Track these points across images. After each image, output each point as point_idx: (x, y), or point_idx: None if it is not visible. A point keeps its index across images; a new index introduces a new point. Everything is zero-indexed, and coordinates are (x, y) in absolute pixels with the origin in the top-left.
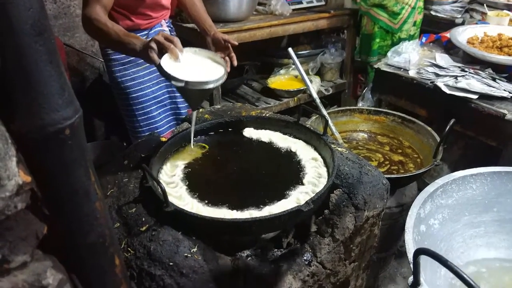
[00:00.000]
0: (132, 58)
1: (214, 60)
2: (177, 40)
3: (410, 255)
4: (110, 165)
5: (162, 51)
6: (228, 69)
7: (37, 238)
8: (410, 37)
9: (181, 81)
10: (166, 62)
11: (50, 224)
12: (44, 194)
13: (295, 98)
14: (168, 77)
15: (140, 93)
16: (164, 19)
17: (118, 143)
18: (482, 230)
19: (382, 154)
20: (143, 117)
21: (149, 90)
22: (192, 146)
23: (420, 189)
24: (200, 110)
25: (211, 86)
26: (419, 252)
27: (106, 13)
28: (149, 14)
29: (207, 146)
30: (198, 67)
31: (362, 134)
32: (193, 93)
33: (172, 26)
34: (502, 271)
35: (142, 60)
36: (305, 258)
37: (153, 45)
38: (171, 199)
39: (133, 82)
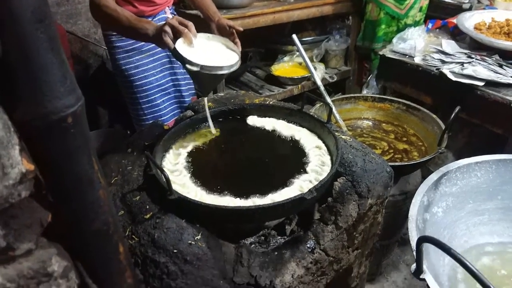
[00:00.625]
0: (136, 45)
1: (227, 47)
2: (191, 24)
3: (413, 243)
4: (114, 153)
5: (176, 35)
6: None
7: (41, 226)
8: (416, 23)
9: (196, 65)
10: (180, 46)
11: (55, 212)
12: (48, 182)
13: (299, 86)
14: (183, 61)
15: (144, 81)
16: (168, 6)
17: (122, 131)
18: (486, 218)
19: (387, 143)
20: (147, 105)
21: (153, 78)
22: (214, 131)
23: (424, 177)
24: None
25: (225, 71)
26: (422, 240)
27: None
28: (153, 0)
29: (218, 132)
30: (212, 52)
31: (367, 121)
32: (207, 79)
33: (175, 13)
34: (507, 256)
35: (146, 48)
36: (308, 245)
37: (167, 29)
38: (175, 187)
39: (137, 70)
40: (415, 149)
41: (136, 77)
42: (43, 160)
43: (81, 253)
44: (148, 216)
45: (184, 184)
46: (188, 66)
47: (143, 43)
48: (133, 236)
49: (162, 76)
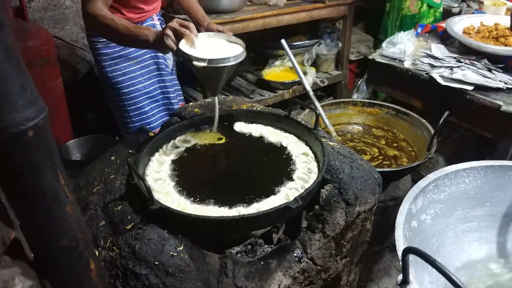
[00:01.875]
0: (123, 52)
1: (229, 41)
2: (192, 25)
3: (399, 252)
4: (97, 161)
5: (177, 37)
6: None
7: (3, 244)
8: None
9: (203, 59)
10: (184, 46)
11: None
12: (10, 198)
13: (290, 90)
14: (189, 59)
15: (132, 88)
16: (155, 13)
17: (110, 137)
18: (475, 225)
19: (378, 148)
20: (135, 113)
21: (141, 85)
22: (215, 130)
23: (415, 181)
24: (190, 103)
25: (232, 63)
26: (407, 251)
27: (107, 8)
28: (141, 7)
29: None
30: (215, 48)
31: (357, 126)
32: (215, 73)
33: (162, 18)
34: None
35: (134, 55)
36: (295, 254)
37: (169, 32)
38: (158, 196)
39: (124, 77)
40: (405, 155)
41: (123, 84)
42: (4, 176)
43: (49, 271)
44: (129, 226)
45: (167, 192)
46: (195, 62)
47: (130, 49)
48: (114, 248)
49: (150, 83)
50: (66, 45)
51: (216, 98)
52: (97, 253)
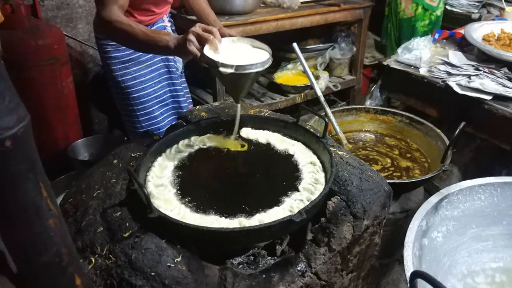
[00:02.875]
0: (133, 56)
1: (254, 46)
2: (216, 30)
3: (408, 273)
4: (99, 164)
5: (200, 43)
6: None
7: None
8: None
9: (230, 66)
10: (208, 52)
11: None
12: None
13: (302, 94)
14: (215, 65)
15: (142, 93)
16: (166, 14)
17: (120, 137)
18: (490, 244)
19: (391, 159)
20: (144, 117)
21: (151, 90)
22: (233, 137)
23: (429, 193)
24: (197, 107)
25: (260, 69)
26: (415, 275)
27: (123, 13)
28: (152, 10)
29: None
30: (240, 53)
31: (369, 134)
32: (241, 80)
33: (172, 19)
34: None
35: (144, 58)
36: (299, 268)
37: (192, 37)
38: (158, 202)
39: (134, 82)
40: (418, 166)
41: (134, 88)
42: None
43: (31, 286)
44: (127, 234)
45: (168, 200)
46: (221, 69)
47: (141, 53)
48: (110, 256)
49: (160, 87)
50: (78, 44)
51: (239, 105)
52: (93, 260)
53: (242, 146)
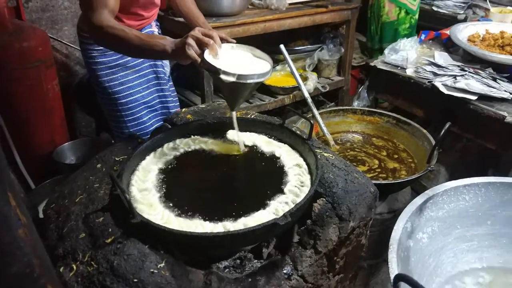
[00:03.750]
0: (121, 61)
1: (254, 55)
2: (216, 35)
3: (392, 275)
4: (83, 168)
5: (200, 47)
6: None
7: None
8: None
9: (232, 74)
10: (209, 57)
11: None
12: None
13: (291, 96)
14: (216, 72)
15: (130, 98)
16: (154, 19)
17: (107, 140)
18: (475, 244)
19: (379, 160)
20: (132, 123)
21: (139, 95)
22: (241, 150)
23: (417, 193)
24: (183, 109)
25: (261, 79)
26: (398, 278)
27: (113, 17)
28: (141, 14)
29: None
30: (241, 61)
31: (356, 135)
32: (241, 89)
33: (158, 23)
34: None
35: (132, 63)
36: (285, 271)
37: (191, 42)
38: (141, 207)
39: (122, 87)
40: (405, 167)
41: (121, 94)
42: None
43: None
44: (109, 240)
45: (151, 204)
46: (222, 76)
47: (128, 58)
48: (92, 263)
49: (148, 92)
50: (63, 47)
51: (234, 112)
52: (75, 267)
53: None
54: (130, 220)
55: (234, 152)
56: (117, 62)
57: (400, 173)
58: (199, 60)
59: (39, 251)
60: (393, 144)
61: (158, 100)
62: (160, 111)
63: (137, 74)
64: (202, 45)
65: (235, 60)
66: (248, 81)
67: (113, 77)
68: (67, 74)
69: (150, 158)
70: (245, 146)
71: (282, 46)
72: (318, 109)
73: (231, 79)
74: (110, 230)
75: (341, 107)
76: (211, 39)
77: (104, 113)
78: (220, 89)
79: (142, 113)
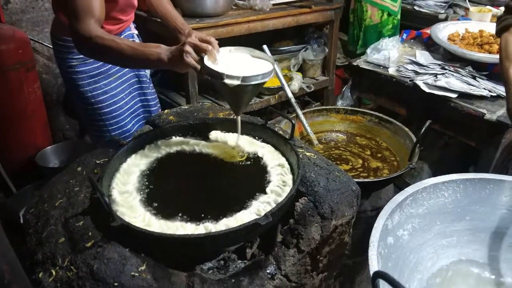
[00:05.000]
0: (102, 69)
1: (253, 56)
2: (214, 40)
3: (372, 272)
4: (63, 172)
5: (198, 54)
6: None
7: None
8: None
9: (236, 77)
10: (209, 63)
11: None
12: None
13: (276, 96)
14: (219, 77)
15: (114, 107)
16: (132, 21)
17: (90, 142)
18: (454, 240)
19: (363, 160)
20: (117, 132)
21: (122, 102)
22: (238, 157)
23: (399, 188)
24: (165, 111)
25: (266, 79)
26: (376, 275)
27: (100, 26)
28: (120, 18)
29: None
30: (242, 64)
31: (340, 134)
32: (246, 91)
33: (135, 24)
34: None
35: (114, 70)
36: (268, 271)
37: (189, 49)
38: (122, 210)
39: (105, 96)
40: (387, 166)
41: (105, 103)
42: None
43: None
44: (89, 244)
45: (132, 207)
46: (227, 81)
47: (109, 65)
48: (72, 267)
49: (131, 98)
50: (45, 49)
51: (239, 117)
52: (54, 272)
53: (241, 156)
54: (110, 224)
55: (237, 158)
56: (99, 70)
57: (382, 172)
58: (198, 67)
59: (9, 257)
60: (376, 142)
61: (140, 104)
62: (142, 115)
63: (120, 81)
64: (200, 52)
65: (236, 63)
66: (253, 82)
67: (96, 86)
68: (50, 76)
69: (131, 160)
70: (230, 147)
71: (265, 47)
72: (303, 109)
73: (236, 82)
74: (90, 234)
75: (324, 107)
76: (209, 45)
77: (84, 122)
78: (222, 95)
79: (127, 120)
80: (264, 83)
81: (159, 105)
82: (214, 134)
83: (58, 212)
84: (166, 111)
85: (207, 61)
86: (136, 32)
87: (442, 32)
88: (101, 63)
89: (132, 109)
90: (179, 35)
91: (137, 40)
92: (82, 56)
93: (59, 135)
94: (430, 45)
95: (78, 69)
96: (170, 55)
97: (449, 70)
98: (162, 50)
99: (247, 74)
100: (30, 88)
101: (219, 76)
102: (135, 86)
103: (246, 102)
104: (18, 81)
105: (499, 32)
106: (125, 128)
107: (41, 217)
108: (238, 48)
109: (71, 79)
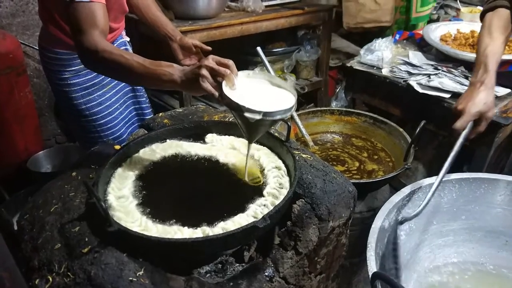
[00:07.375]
0: (96, 80)
1: (272, 83)
2: (232, 63)
3: (371, 273)
4: (58, 177)
5: (215, 78)
6: None
7: None
8: None
9: (258, 112)
10: (228, 91)
11: None
12: None
13: None
14: (239, 109)
15: (109, 118)
16: (123, 29)
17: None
18: (450, 239)
19: (360, 162)
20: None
21: (117, 112)
22: (246, 178)
23: (395, 189)
24: (160, 114)
25: (287, 114)
26: (376, 276)
27: (105, 39)
28: (111, 26)
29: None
30: (261, 94)
31: (335, 135)
32: (264, 125)
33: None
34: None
35: (107, 81)
36: (266, 273)
37: (206, 73)
38: (118, 215)
39: (100, 107)
40: (382, 168)
41: (100, 115)
42: None
43: None
44: (86, 250)
45: (129, 212)
46: (247, 114)
47: (103, 76)
48: (69, 273)
49: (125, 107)
50: (36, 53)
51: (251, 145)
52: (50, 279)
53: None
54: (107, 229)
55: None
56: (93, 82)
57: (377, 174)
58: (217, 94)
59: (8, 264)
60: (371, 143)
61: (135, 112)
62: (137, 124)
63: (114, 91)
64: (217, 76)
65: (255, 92)
66: (274, 118)
67: (90, 98)
68: (42, 80)
69: (126, 164)
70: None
71: (259, 48)
72: (297, 110)
73: (257, 117)
74: (86, 239)
75: (318, 108)
76: (227, 69)
77: (75, 133)
78: (238, 122)
79: (122, 130)
80: (285, 117)
81: (151, 109)
82: (210, 137)
83: (54, 218)
84: (160, 114)
85: (225, 88)
86: (127, 39)
87: (434, 32)
88: (94, 74)
89: (127, 118)
90: (171, 42)
91: (129, 48)
92: (75, 68)
93: (51, 139)
94: (423, 46)
95: (71, 82)
96: (184, 77)
97: (442, 71)
98: (175, 70)
99: (269, 109)
100: (21, 93)
101: (239, 109)
102: (129, 95)
103: (262, 133)
104: (9, 86)
105: (484, 13)
106: (121, 139)
107: (36, 223)
108: (257, 73)
109: (63, 91)
